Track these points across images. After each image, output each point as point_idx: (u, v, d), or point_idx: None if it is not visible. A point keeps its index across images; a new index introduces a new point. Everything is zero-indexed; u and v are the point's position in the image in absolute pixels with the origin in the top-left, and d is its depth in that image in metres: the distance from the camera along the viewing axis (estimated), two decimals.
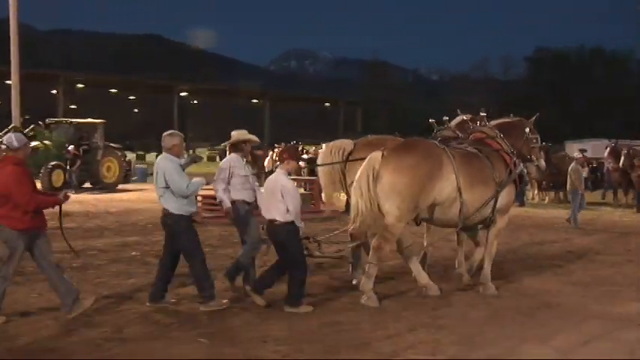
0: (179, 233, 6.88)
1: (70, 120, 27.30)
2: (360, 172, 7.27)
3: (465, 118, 9.62)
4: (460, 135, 8.81)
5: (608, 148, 22.62)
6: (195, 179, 6.99)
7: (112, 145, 26.61)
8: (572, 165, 15.76)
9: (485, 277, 7.95)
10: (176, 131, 7.22)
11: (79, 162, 23.98)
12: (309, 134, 55.59)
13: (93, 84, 55.66)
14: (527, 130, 8.52)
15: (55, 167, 23.18)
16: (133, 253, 10.35)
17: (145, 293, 7.41)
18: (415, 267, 7.89)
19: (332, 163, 8.53)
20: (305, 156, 26.58)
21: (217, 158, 49.73)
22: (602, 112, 70.73)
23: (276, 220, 6.89)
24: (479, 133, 8.42)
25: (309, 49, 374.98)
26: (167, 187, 6.75)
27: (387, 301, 7.35)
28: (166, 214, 6.86)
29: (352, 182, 7.53)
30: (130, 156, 37.92)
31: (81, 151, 24.50)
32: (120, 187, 25.57)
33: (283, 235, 6.92)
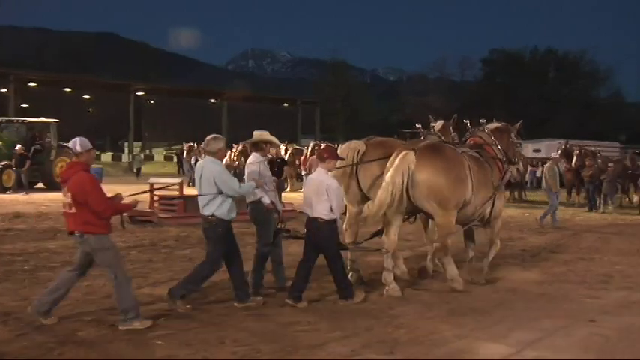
0: (222, 237, 6.90)
1: (22, 119, 26.69)
2: (394, 170, 7.54)
3: (445, 123, 10.08)
4: (443, 139, 9.31)
5: (559, 149, 23.02)
6: (247, 183, 7.31)
7: (66, 144, 26.08)
8: (547, 165, 16.07)
9: (483, 270, 8.62)
10: (219, 135, 7.25)
11: (27, 162, 23.45)
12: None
13: (46, 82, 54.47)
14: (513, 135, 9.16)
15: (5, 167, 22.65)
16: None
17: (98, 296, 7.31)
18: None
19: (345, 166, 8.42)
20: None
21: (175, 158, 49.17)
22: (555, 112, 72.11)
23: (321, 218, 7.13)
24: (477, 139, 8.90)
25: (268, 49, 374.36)
26: (218, 192, 6.78)
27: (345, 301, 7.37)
28: (211, 221, 6.84)
29: (369, 182, 8.04)
30: None
31: (32, 150, 23.98)
32: None
33: (327, 233, 7.17)
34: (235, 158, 28.48)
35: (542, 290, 8.17)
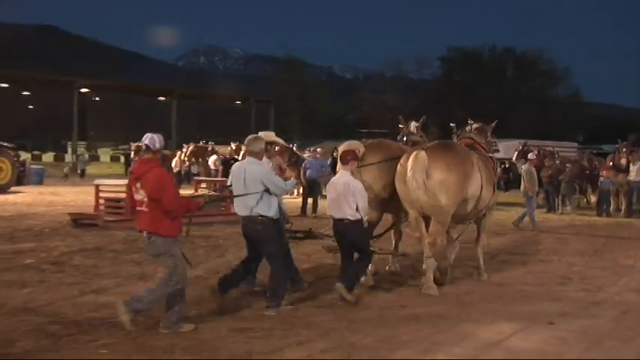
0: (270, 237, 7.18)
1: None
2: (412, 170, 7.97)
3: (416, 124, 10.56)
4: (425, 139, 10.09)
5: (517, 150, 23.33)
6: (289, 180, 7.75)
7: (3, 144, 25.44)
8: (525, 167, 16.29)
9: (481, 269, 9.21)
10: (258, 135, 7.60)
11: None
12: (219, 133, 55.05)
13: None
14: (489, 134, 9.86)
15: None
16: (28, 261, 9.90)
17: (39, 304, 7.14)
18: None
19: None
20: (214, 157, 26.26)
21: (122, 159, 48.48)
22: (513, 111, 73.40)
23: (347, 219, 7.58)
24: (468, 139, 9.44)
25: (219, 45, 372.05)
26: (266, 191, 7.06)
27: (301, 305, 7.37)
28: (262, 221, 7.08)
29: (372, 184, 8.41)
30: (25, 156, 36.38)
31: None
32: (13, 189, 24.46)
33: (356, 231, 7.64)
34: (186, 159, 28.26)
35: (500, 293, 8.30)
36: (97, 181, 15.85)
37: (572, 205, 21.07)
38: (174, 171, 28.66)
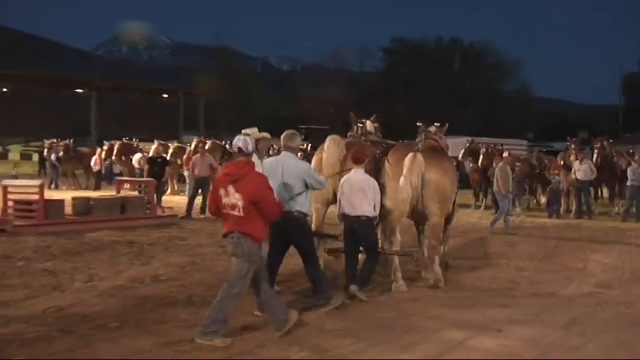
0: (305, 232, 7.75)
1: None
2: (409, 171, 8.71)
3: (374, 124, 11.30)
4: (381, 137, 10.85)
5: (464, 148, 23.48)
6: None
7: None
8: (500, 165, 16.44)
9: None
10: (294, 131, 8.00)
11: None
12: (144, 129, 54.19)
13: None
14: (442, 136, 10.63)
15: None
16: None
17: None
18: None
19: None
20: (138, 155, 25.83)
21: (34, 156, 47.21)
22: (460, 107, 74.60)
23: (365, 216, 8.26)
24: (433, 141, 10.04)
25: (144, 33, 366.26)
26: (306, 188, 7.60)
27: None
28: (299, 217, 7.57)
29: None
30: None
31: None
32: None
33: (369, 229, 8.38)
34: (115, 158, 27.72)
35: (447, 300, 8.43)
36: (5, 182, 15.39)
37: (522, 206, 21.48)
38: (94, 170, 28.12)
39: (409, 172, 8.71)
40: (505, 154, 17.82)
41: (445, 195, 9.08)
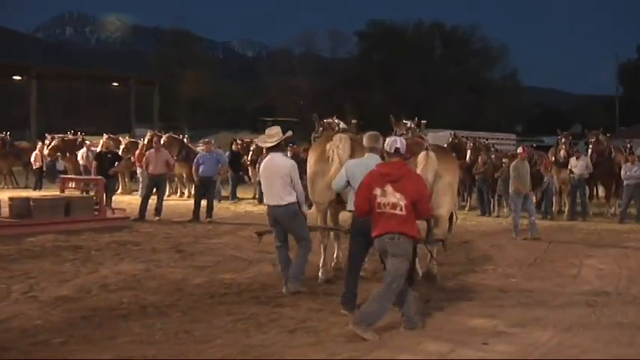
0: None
1: None
2: (424, 167, 9.59)
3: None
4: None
5: (446, 143, 23.45)
6: None
7: None
8: (514, 164, 15.98)
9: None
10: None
11: None
12: (92, 121, 53.63)
13: None
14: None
15: None
16: None
17: None
18: None
19: None
20: (83, 150, 25.60)
21: None
22: (442, 97, 74.98)
23: None
24: (419, 139, 11.43)
25: (91, 14, 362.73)
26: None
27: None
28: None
29: None
30: None
31: None
32: None
33: None
34: (48, 154, 27.44)
35: (428, 309, 8.46)
36: None
37: (509, 207, 21.46)
38: (35, 167, 27.82)
39: (424, 170, 9.52)
40: (519, 150, 17.50)
41: (454, 191, 10.80)
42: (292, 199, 9.15)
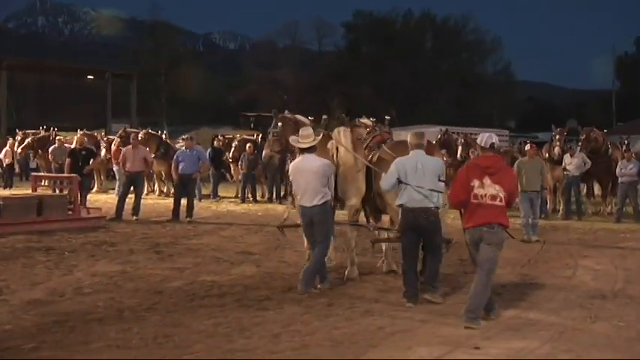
0: (439, 227, 9.26)
1: None
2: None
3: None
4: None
5: (436, 139, 23.47)
6: None
7: None
8: (526, 159, 15.68)
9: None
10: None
11: None
12: (66, 116, 53.32)
13: None
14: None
15: None
16: None
17: None
18: None
19: None
20: (54, 145, 25.46)
21: None
22: (432, 92, 75.13)
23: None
24: (386, 134, 11.65)
25: (65, 2, 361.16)
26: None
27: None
28: (432, 213, 9.04)
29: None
30: None
31: None
32: None
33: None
34: (21, 151, 27.33)
35: (415, 312, 8.47)
36: None
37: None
38: (5, 163, 27.70)
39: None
40: (527, 147, 17.44)
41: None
42: (328, 197, 9.72)
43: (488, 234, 7.90)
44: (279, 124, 11.46)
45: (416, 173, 8.91)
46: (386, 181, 9.18)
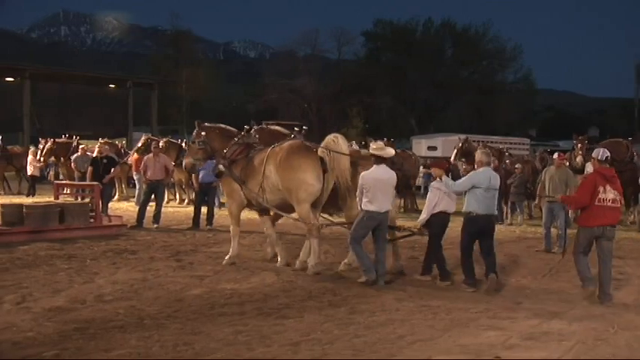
0: (493, 231, 11.07)
1: None
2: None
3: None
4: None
5: (456, 147, 23.29)
6: None
7: None
8: (554, 168, 15.41)
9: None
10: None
11: None
12: (86, 125, 53.65)
13: None
14: None
15: None
16: None
17: None
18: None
19: None
20: (76, 154, 25.57)
21: None
22: (452, 100, 74.87)
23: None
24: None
25: (87, 12, 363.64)
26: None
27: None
28: (494, 219, 11.15)
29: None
30: None
31: None
32: None
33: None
34: (43, 158, 27.48)
35: (436, 321, 8.45)
36: None
37: (524, 215, 21.34)
38: (30, 173, 27.84)
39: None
40: (555, 156, 17.14)
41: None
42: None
43: (609, 232, 9.87)
44: (203, 133, 12.64)
45: (487, 184, 10.55)
46: (462, 185, 10.84)
